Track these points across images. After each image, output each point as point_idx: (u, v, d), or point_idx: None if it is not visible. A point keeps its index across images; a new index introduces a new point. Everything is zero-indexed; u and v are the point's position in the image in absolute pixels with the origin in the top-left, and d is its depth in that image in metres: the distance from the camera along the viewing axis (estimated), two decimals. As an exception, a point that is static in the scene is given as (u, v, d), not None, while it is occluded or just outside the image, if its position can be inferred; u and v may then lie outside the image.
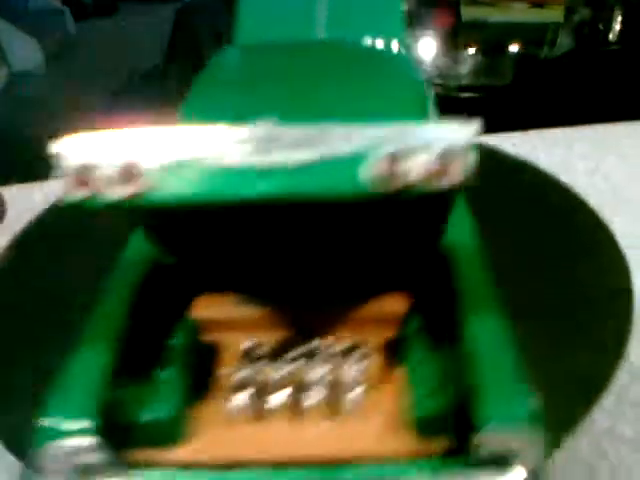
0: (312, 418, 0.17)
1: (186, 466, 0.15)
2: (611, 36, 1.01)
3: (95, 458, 0.14)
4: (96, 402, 0.15)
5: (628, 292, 0.29)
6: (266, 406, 0.17)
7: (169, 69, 0.88)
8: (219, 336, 0.19)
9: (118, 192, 0.14)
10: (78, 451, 0.14)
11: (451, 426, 0.16)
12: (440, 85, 0.94)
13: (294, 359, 0.18)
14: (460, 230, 0.20)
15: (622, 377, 0.30)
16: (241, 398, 0.17)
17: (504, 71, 0.97)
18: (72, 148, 0.14)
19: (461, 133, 0.13)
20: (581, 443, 0.27)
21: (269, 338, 0.19)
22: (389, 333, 0.19)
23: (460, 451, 0.15)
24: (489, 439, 0.14)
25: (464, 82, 0.94)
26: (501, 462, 0.15)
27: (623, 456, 0.27)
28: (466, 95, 0.91)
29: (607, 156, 0.44)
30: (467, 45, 1.08)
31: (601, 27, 1.03)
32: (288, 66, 0.21)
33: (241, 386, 0.17)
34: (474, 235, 0.21)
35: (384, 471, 0.15)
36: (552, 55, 1.02)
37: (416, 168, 0.13)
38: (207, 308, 0.19)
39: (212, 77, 0.21)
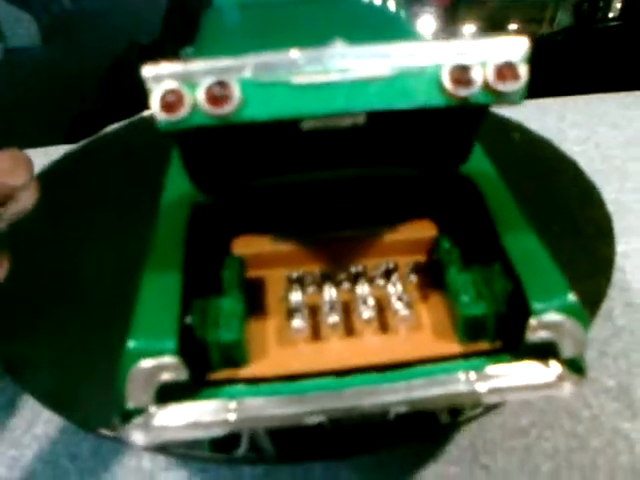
0: (365, 334, 0.18)
1: (255, 382, 0.17)
2: (611, 13, 1.00)
3: (177, 376, 0.15)
4: (174, 325, 0.16)
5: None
6: (321, 325, 0.18)
7: (166, 42, 0.88)
8: (263, 272, 0.21)
9: (209, 112, 0.14)
10: (161, 370, 0.15)
11: (494, 328, 0.18)
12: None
13: (339, 283, 0.20)
14: (476, 158, 0.21)
15: (604, 333, 0.31)
16: (298, 319, 0.18)
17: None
18: (161, 72, 0.14)
19: (515, 47, 0.15)
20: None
21: (310, 269, 0.20)
22: (420, 257, 0.21)
23: (504, 351, 0.17)
24: (544, 323, 0.16)
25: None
26: (545, 354, 0.16)
27: (604, 405, 0.28)
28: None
29: (599, 125, 0.45)
30: (466, 22, 1.07)
31: (601, 4, 1.02)
32: (281, 20, 0.21)
33: (295, 309, 0.19)
34: (490, 162, 0.22)
35: (434, 369, 0.17)
36: (551, 32, 1.02)
37: (478, 80, 0.15)
38: (247, 246, 0.21)
39: (212, 31, 0.22)
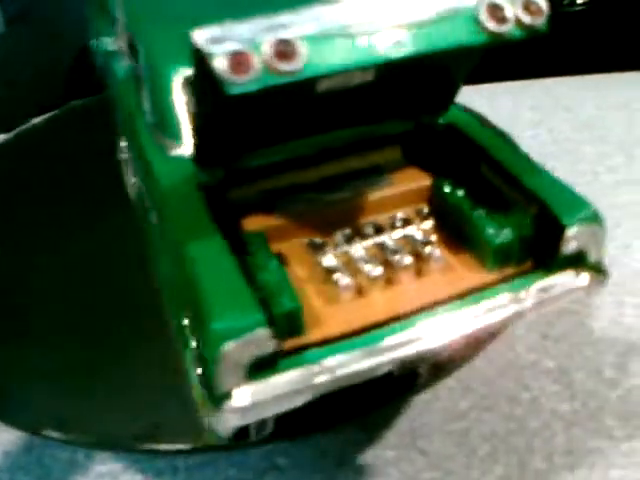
0: (404, 281, 0.19)
1: (327, 342, 0.17)
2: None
3: (266, 349, 0.15)
4: (252, 298, 0.16)
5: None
6: (364, 279, 0.19)
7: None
8: (279, 245, 0.21)
9: (279, 71, 0.14)
10: (253, 345, 0.15)
11: (519, 251, 0.19)
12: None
13: (364, 238, 0.20)
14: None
15: (548, 315, 0.31)
16: (343, 277, 0.19)
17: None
18: (219, 34, 0.14)
19: None
20: (505, 377, 0.28)
21: (325, 234, 0.21)
22: (421, 205, 0.22)
23: (537, 268, 0.19)
24: (576, 234, 0.18)
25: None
26: (574, 262, 0.19)
27: (544, 387, 0.28)
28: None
29: (553, 109, 0.45)
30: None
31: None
32: None
33: (334, 269, 0.19)
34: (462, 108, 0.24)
35: (489, 295, 0.18)
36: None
37: (511, 16, 0.16)
38: (258, 222, 0.21)
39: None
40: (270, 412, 0.16)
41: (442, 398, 0.27)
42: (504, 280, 0.19)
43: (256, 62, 0.13)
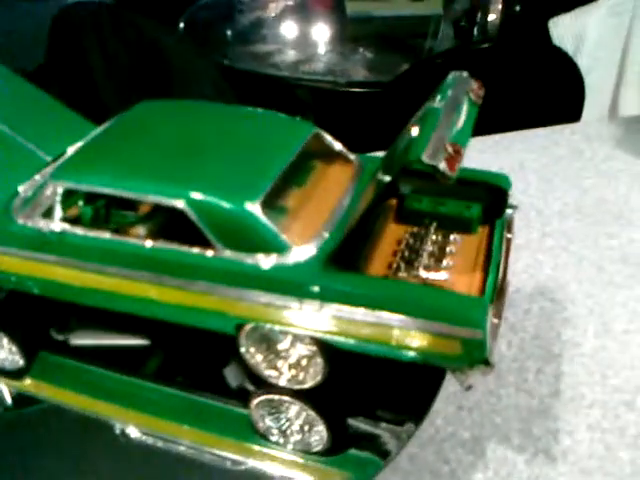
0: (453, 258, 0.31)
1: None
2: (489, 28, 1.07)
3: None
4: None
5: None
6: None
7: (50, 68, 0.84)
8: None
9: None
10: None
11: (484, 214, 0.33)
12: (330, 82, 0.97)
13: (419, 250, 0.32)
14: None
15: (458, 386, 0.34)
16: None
17: (392, 65, 0.99)
18: (432, 152, 0.24)
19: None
20: (427, 451, 0.31)
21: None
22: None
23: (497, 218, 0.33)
24: (510, 193, 0.33)
25: (353, 78, 0.97)
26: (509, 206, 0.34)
27: (461, 459, 0.31)
28: (356, 90, 0.94)
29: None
30: (355, 37, 1.10)
31: (478, 19, 1.09)
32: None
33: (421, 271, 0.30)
34: None
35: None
36: (436, 47, 1.07)
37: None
38: None
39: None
40: None
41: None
42: (493, 232, 0.32)
43: (459, 160, 0.25)
